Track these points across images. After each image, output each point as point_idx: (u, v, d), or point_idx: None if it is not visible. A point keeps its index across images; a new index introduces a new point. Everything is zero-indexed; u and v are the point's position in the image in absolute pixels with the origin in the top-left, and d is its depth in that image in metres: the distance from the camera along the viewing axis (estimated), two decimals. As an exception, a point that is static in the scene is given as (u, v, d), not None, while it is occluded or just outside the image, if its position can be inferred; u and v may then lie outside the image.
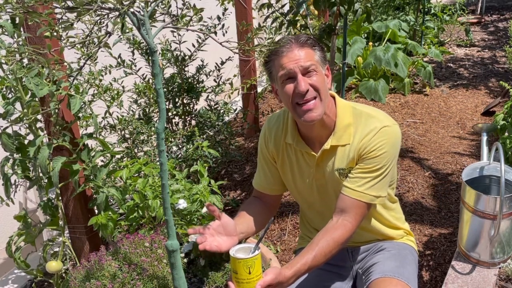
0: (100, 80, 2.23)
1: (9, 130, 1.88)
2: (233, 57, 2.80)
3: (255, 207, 1.66)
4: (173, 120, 2.92)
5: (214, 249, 1.42)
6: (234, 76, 3.16)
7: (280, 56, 1.42)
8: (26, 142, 1.93)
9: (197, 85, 2.89)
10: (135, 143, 2.62)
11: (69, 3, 1.18)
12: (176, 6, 1.72)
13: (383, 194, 1.50)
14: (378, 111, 1.52)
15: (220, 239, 1.48)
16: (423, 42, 5.67)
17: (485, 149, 1.97)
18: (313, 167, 1.55)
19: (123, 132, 2.60)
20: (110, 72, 2.49)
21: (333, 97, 1.54)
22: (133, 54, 2.68)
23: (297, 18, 2.87)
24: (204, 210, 1.85)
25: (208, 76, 2.93)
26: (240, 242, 1.50)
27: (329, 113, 1.49)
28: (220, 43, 2.02)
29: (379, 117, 1.49)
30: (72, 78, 1.83)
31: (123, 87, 2.57)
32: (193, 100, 2.90)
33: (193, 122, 2.96)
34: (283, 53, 1.41)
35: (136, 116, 2.74)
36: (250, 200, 1.72)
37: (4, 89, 1.86)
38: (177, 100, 2.84)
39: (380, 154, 1.44)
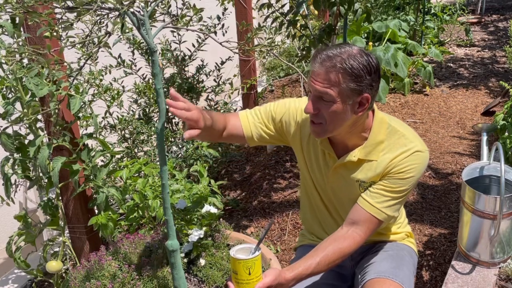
0: (100, 80, 2.23)
1: (9, 130, 1.88)
2: (233, 57, 2.80)
3: (221, 122, 1.50)
4: (173, 120, 2.92)
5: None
6: (234, 76, 3.17)
7: (312, 65, 1.35)
8: (26, 142, 1.93)
9: (197, 85, 2.89)
10: (135, 143, 2.62)
11: (69, 3, 1.18)
12: (176, 6, 1.72)
13: (397, 215, 1.49)
14: (413, 133, 1.48)
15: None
16: (423, 42, 5.67)
17: (485, 149, 1.97)
18: (330, 169, 1.52)
19: (123, 132, 2.60)
20: (110, 72, 2.49)
21: (373, 110, 1.47)
22: (133, 54, 2.68)
23: (297, 18, 2.87)
24: (204, 210, 1.85)
25: (208, 76, 2.93)
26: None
27: (359, 132, 1.44)
28: (220, 43, 2.02)
29: (413, 139, 1.45)
30: (72, 78, 1.83)
31: (123, 87, 2.57)
32: (193, 100, 2.89)
33: (193, 122, 2.96)
34: (314, 65, 1.34)
35: (136, 116, 2.74)
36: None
37: (4, 89, 1.86)
38: (177, 100, 2.84)
39: (407, 177, 1.42)
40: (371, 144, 1.46)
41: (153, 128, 2.60)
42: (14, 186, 2.02)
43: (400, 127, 1.48)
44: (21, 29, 1.80)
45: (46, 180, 1.99)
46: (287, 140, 1.62)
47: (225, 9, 2.70)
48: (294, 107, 1.58)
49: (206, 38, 2.66)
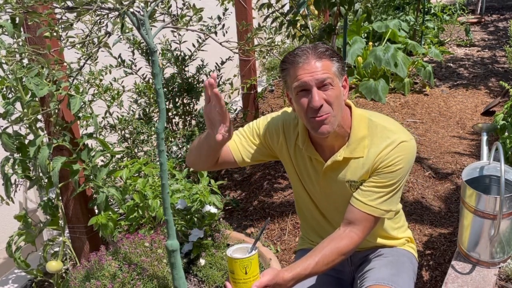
0: (100, 80, 2.23)
1: (9, 130, 1.88)
2: (233, 57, 2.81)
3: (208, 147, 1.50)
4: (173, 120, 2.92)
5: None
6: (234, 76, 3.17)
7: (296, 66, 1.36)
8: (26, 142, 1.93)
9: (197, 85, 2.89)
10: (135, 143, 2.62)
11: (69, 3, 1.18)
12: (176, 6, 1.72)
13: (394, 208, 1.48)
14: (395, 124, 1.47)
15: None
16: (423, 42, 5.67)
17: (485, 149, 1.96)
18: (320, 174, 1.52)
19: (123, 132, 2.60)
20: (110, 72, 2.49)
21: (349, 107, 1.49)
22: (133, 54, 2.68)
23: (297, 18, 2.88)
24: (204, 210, 1.85)
25: (208, 76, 2.93)
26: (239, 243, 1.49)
27: (343, 124, 1.44)
28: (220, 43, 2.02)
29: (396, 130, 1.44)
30: (72, 78, 1.83)
31: (123, 87, 2.56)
32: (193, 100, 2.90)
33: (193, 122, 2.96)
34: (299, 64, 1.36)
35: (136, 116, 2.74)
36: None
37: (4, 89, 1.86)
38: (177, 100, 2.85)
39: (396, 170, 1.41)
40: (354, 140, 1.45)
41: (153, 128, 2.60)
42: (14, 186, 2.02)
43: (381, 120, 1.47)
44: (21, 29, 1.80)
45: (46, 180, 1.99)
46: (275, 154, 1.61)
47: (226, 9, 2.70)
48: (276, 119, 1.58)
49: (206, 38, 2.66)
